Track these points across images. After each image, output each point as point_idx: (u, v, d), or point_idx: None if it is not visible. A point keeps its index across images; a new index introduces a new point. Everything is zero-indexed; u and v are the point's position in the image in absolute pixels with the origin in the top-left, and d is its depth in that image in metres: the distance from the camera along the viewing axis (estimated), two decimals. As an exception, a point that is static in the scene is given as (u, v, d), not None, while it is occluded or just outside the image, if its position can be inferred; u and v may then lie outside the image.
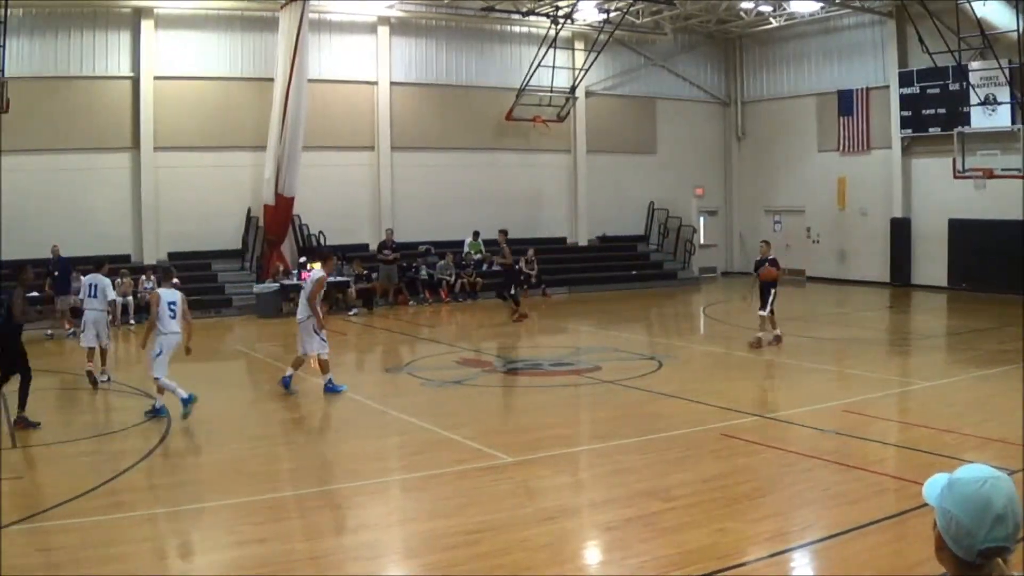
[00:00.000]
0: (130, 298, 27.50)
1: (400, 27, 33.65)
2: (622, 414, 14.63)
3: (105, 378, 18.16)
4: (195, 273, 29.73)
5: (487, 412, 15.49)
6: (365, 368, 21.97)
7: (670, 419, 13.93)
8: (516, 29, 35.65)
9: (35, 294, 23.50)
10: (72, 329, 24.32)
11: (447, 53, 34.53)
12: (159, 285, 15.79)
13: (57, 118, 29.17)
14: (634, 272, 35.91)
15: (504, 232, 27.38)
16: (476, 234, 33.61)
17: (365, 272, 30.32)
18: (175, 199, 30.37)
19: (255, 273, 30.22)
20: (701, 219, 39.92)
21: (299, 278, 28.81)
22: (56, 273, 25.35)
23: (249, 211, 31.08)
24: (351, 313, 28.68)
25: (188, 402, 14.43)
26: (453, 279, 31.85)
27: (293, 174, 29.96)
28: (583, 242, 36.91)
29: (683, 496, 10.08)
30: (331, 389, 16.49)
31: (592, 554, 9.06)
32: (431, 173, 34.04)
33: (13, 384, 13.91)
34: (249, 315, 28.51)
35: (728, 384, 17.02)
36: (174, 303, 14.95)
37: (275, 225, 30.41)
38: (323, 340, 16.39)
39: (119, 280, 27.41)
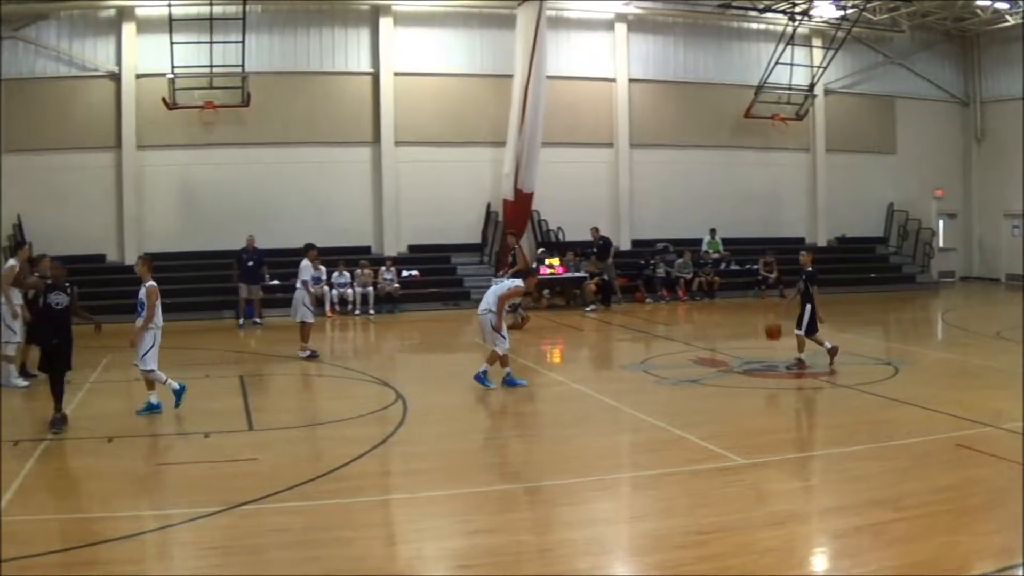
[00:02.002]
0: (370, 288, 27.39)
1: (637, 24, 32.56)
2: (856, 420, 13.64)
3: (305, 354, 19.29)
4: (434, 266, 29.59)
5: (721, 412, 14.46)
6: (600, 364, 21.32)
7: (904, 427, 12.95)
8: (753, 26, 34.00)
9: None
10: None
11: (684, 50, 33.22)
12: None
13: (298, 113, 29.73)
14: (872, 275, 33.90)
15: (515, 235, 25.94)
16: (713, 232, 32.29)
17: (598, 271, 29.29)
18: (415, 193, 30.27)
19: (494, 267, 29.65)
20: (940, 222, 37.27)
21: (538, 272, 28.13)
22: (250, 263, 25.72)
23: (488, 206, 30.72)
24: (588, 309, 27.81)
25: (181, 393, 14.01)
26: (690, 277, 30.59)
27: (532, 170, 29.41)
28: (822, 243, 34.77)
29: (913, 506, 9.38)
30: (481, 379, 15.87)
31: (819, 561, 8.45)
32: (668, 170, 32.85)
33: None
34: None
35: (964, 393, 15.41)
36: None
37: (514, 220, 29.83)
38: (503, 337, 15.90)
39: (358, 271, 27.36)
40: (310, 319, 19.65)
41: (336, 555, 8.20)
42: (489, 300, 16.14)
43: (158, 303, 14.08)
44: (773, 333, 17.74)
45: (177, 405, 13.96)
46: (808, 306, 17.40)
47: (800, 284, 17.79)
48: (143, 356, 13.81)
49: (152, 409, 13.85)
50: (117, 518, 9.22)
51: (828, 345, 17.38)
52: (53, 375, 13.04)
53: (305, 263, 19.79)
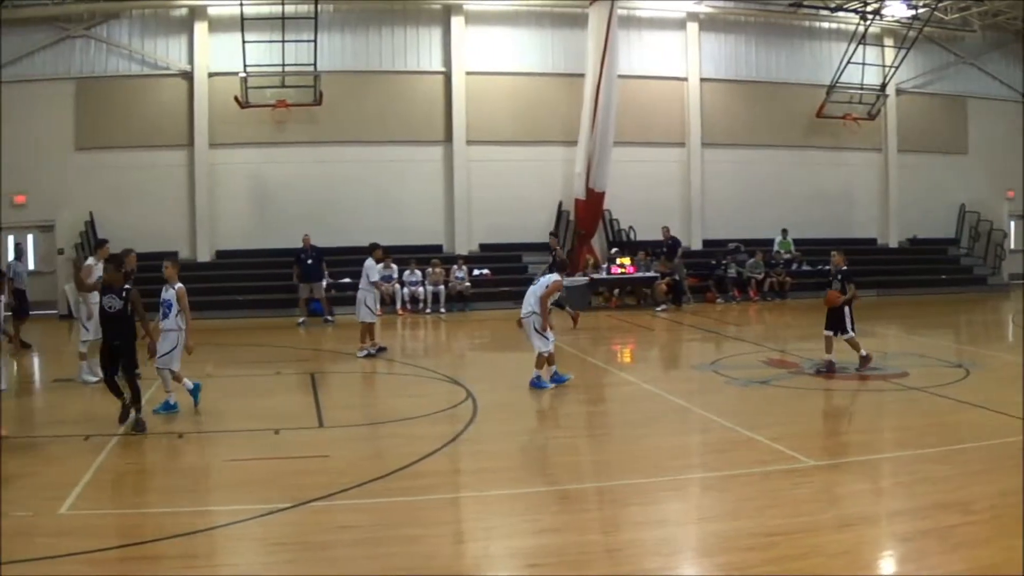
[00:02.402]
0: (441, 287, 27.29)
1: (709, 23, 32.15)
2: (926, 422, 13.39)
3: (363, 353, 19.26)
4: (506, 264, 29.42)
5: (791, 414, 14.25)
6: (670, 364, 21.01)
7: (973, 430, 12.71)
8: (825, 25, 33.43)
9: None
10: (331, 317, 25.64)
11: (756, 49, 32.73)
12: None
13: (370, 112, 29.70)
14: (943, 276, 33.28)
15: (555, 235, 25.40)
16: (785, 232, 31.82)
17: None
18: (487, 192, 30.11)
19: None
20: (1011, 223, 36.56)
21: (609, 272, 27.93)
22: (309, 261, 25.77)
23: (560, 205, 30.44)
24: (659, 309, 27.45)
25: (196, 391, 13.95)
26: (762, 277, 30.17)
27: (604, 169, 29.16)
28: (893, 244, 34.26)
29: (981, 510, 9.22)
30: (537, 384, 15.57)
31: (887, 564, 8.34)
32: (740, 170, 32.40)
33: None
34: (557, 307, 27.40)
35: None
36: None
37: (586, 219, 29.61)
38: (546, 338, 15.54)
39: (430, 269, 27.26)
40: (371, 319, 19.54)
41: (404, 553, 8.22)
42: (530, 302, 15.81)
43: (187, 303, 14.07)
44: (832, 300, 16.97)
45: (196, 403, 13.91)
46: (846, 307, 16.78)
47: (836, 285, 17.04)
48: (165, 356, 13.64)
49: (169, 409, 13.70)
50: (187, 513, 9.28)
51: (863, 352, 16.76)
52: (125, 376, 12.85)
53: (370, 262, 19.66)
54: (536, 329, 15.51)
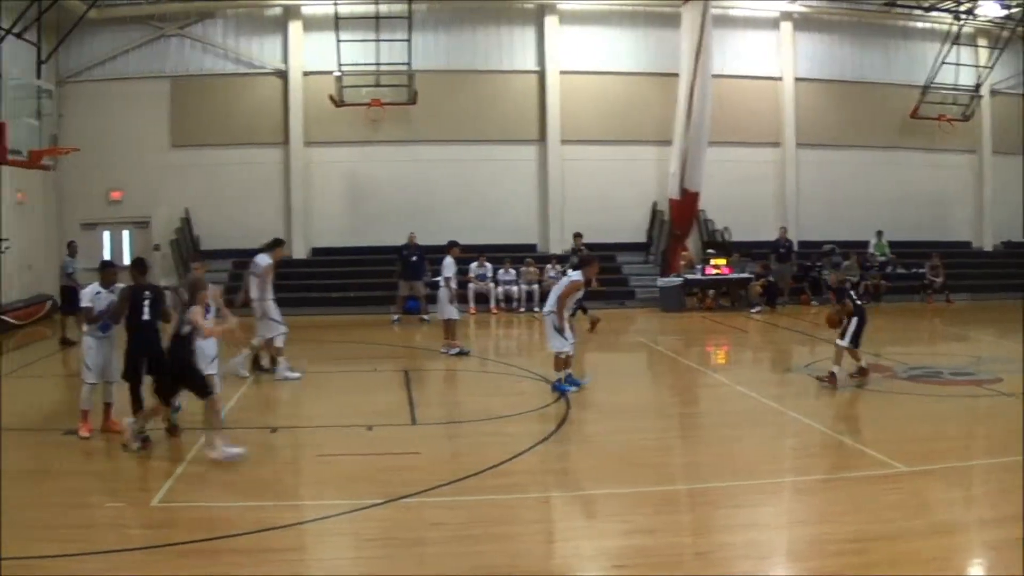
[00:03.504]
0: (535, 286, 27.01)
1: (803, 22, 31.55)
2: (1019, 429, 12.74)
3: (444, 350, 19.20)
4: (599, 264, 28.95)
5: (884, 418, 13.92)
6: (764, 366, 20.55)
7: None
8: (919, 24, 32.65)
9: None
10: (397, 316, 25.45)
11: (851, 48, 32.06)
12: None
13: (464, 111, 29.59)
14: (1039, 280, 32.45)
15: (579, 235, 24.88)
16: (880, 234, 31.15)
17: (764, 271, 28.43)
18: (580, 191, 29.79)
19: (659, 266, 29.05)
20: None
21: (703, 273, 27.53)
22: (413, 259, 25.53)
23: (654, 205, 30.06)
24: (753, 310, 27.00)
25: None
26: (857, 280, 29.55)
27: (698, 169, 28.60)
28: (987, 247, 33.54)
29: None
30: (559, 388, 15.12)
31: (976, 573, 8.17)
32: (834, 171, 31.74)
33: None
34: (652, 308, 27.55)
35: None
36: None
37: (680, 219, 29.10)
38: (564, 338, 15.14)
39: (524, 268, 27.01)
40: (455, 316, 19.43)
41: (493, 551, 8.23)
42: (551, 300, 15.46)
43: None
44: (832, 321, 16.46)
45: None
46: (855, 319, 16.13)
47: (850, 298, 16.40)
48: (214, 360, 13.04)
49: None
50: (277, 507, 9.40)
51: (863, 363, 16.12)
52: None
53: (448, 260, 19.54)
54: (555, 327, 15.19)
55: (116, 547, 8.09)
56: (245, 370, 16.32)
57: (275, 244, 17.18)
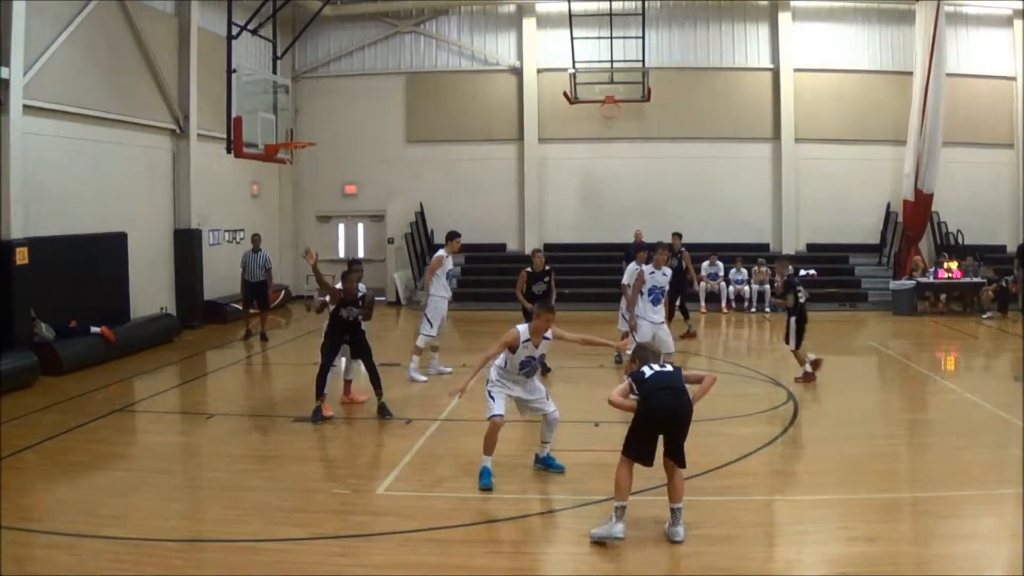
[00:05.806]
0: (767, 286, 26.46)
1: (1041, 17, 30.16)
2: None
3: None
4: (832, 265, 28.43)
5: None
6: (993, 374, 19.67)
7: None
8: None
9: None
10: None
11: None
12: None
13: (697, 108, 29.27)
14: None
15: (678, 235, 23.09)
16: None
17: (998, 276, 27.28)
18: (814, 191, 29.04)
19: (892, 269, 28.22)
20: None
21: (936, 276, 26.68)
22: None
23: (888, 206, 29.08)
24: (985, 316, 25.95)
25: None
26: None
27: (932, 170, 27.71)
28: None
29: None
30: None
31: None
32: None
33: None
34: (883, 311, 26.63)
35: None
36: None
37: (913, 221, 28.23)
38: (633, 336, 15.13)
39: (755, 268, 26.65)
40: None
41: (715, 552, 8.28)
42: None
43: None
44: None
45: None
46: (791, 319, 16.10)
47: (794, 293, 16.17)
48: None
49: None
50: (501, 500, 9.74)
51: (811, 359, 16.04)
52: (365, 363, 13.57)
53: (632, 266, 17.90)
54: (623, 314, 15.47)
55: (339, 533, 8.67)
56: (419, 375, 16.32)
57: (449, 237, 17.09)
